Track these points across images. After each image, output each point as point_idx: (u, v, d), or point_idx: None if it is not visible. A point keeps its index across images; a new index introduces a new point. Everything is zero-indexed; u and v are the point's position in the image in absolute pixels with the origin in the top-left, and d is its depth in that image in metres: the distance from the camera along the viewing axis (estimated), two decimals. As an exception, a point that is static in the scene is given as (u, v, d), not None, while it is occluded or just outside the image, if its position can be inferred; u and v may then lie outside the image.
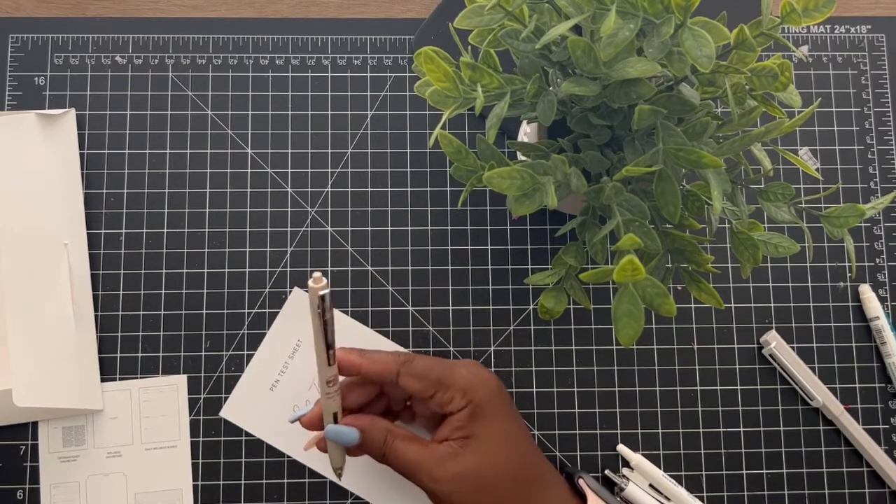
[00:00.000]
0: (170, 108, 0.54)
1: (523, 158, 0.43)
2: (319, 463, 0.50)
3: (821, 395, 0.51)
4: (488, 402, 0.43)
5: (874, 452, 0.51)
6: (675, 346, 0.53)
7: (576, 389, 0.52)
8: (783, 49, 0.56)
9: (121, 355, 0.51)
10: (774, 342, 0.52)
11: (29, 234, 0.51)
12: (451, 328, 0.52)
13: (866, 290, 0.53)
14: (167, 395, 0.51)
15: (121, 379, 0.51)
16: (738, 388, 0.52)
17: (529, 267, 0.53)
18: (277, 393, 0.51)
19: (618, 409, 0.52)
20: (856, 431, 0.51)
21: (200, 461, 0.50)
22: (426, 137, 0.54)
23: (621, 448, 0.51)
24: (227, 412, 0.51)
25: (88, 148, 0.53)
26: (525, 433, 0.45)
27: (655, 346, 0.53)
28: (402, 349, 0.47)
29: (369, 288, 0.53)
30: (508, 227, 0.54)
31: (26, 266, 0.51)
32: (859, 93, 0.56)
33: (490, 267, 0.53)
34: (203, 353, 0.51)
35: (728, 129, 0.39)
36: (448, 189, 0.54)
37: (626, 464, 0.51)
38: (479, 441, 0.42)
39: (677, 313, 0.52)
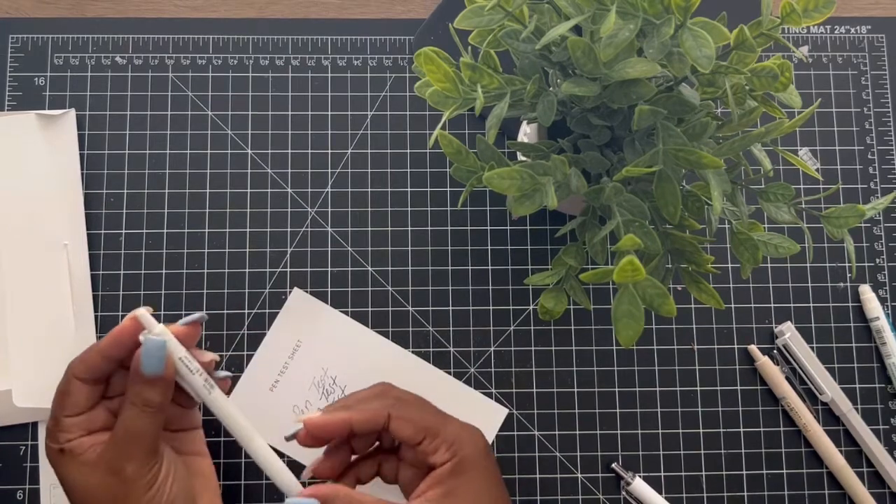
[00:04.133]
0: (170, 108, 0.54)
1: (523, 159, 0.43)
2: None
3: (831, 389, 0.51)
4: (474, 459, 0.42)
5: (878, 451, 0.51)
6: (675, 347, 0.53)
7: (576, 390, 0.52)
8: (783, 49, 0.56)
9: (121, 356, 0.51)
10: (789, 333, 0.52)
11: (29, 234, 0.51)
12: (451, 328, 0.52)
13: (866, 291, 0.53)
14: (167, 395, 0.51)
15: (121, 379, 0.51)
16: (739, 388, 0.52)
17: (529, 267, 0.53)
18: (277, 393, 0.51)
19: (618, 410, 0.52)
20: (862, 430, 0.51)
21: (200, 461, 0.50)
22: (426, 138, 0.54)
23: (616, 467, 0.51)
24: (227, 412, 0.51)
25: (88, 148, 0.53)
26: (504, 499, 0.43)
27: (655, 347, 0.53)
28: (386, 385, 0.45)
29: (369, 288, 0.53)
30: (508, 228, 0.54)
31: (26, 266, 0.51)
32: (859, 93, 0.56)
33: (490, 267, 0.53)
34: (203, 354, 0.51)
35: (728, 130, 0.39)
36: (448, 189, 0.54)
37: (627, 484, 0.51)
38: (457, 498, 0.40)
39: (677, 314, 0.52)
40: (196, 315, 0.43)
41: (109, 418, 0.42)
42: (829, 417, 0.52)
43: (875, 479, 0.52)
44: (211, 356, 0.43)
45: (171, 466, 0.41)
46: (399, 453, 0.45)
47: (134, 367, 0.40)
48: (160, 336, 0.40)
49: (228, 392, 0.43)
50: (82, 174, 0.53)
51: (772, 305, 0.53)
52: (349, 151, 0.54)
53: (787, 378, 0.52)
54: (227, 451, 0.51)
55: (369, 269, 0.53)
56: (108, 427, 0.41)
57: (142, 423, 0.40)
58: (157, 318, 0.51)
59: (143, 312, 0.40)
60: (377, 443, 0.45)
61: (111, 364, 0.41)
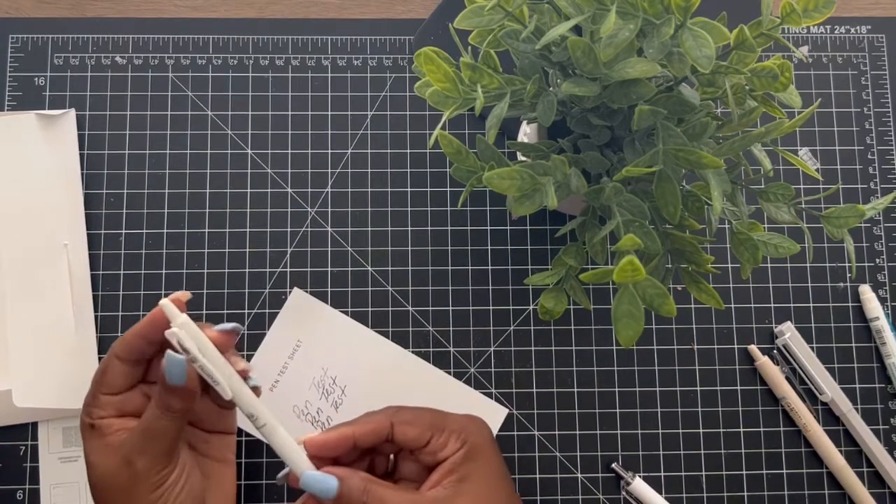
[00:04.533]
0: (170, 108, 0.54)
1: (523, 159, 0.43)
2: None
3: (831, 389, 0.51)
4: (483, 444, 0.42)
5: (878, 451, 0.51)
6: (675, 347, 0.53)
7: (576, 390, 0.52)
8: (783, 49, 0.56)
9: (121, 356, 0.51)
10: (789, 333, 0.52)
11: (29, 234, 0.51)
12: (451, 328, 0.52)
13: (866, 291, 0.53)
14: (167, 395, 0.51)
15: (121, 379, 0.51)
16: (738, 388, 0.52)
17: (529, 267, 0.53)
18: (277, 393, 0.51)
19: (618, 410, 0.52)
20: (862, 430, 0.51)
21: (200, 461, 0.50)
22: (426, 138, 0.54)
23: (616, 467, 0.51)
24: (227, 412, 0.51)
25: (88, 148, 0.53)
26: (512, 486, 0.44)
27: (655, 347, 0.53)
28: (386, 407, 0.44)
29: (369, 288, 0.53)
30: (508, 228, 0.54)
31: (26, 266, 0.51)
32: (859, 93, 0.56)
33: (490, 267, 0.53)
34: (203, 354, 0.51)
35: (728, 130, 0.39)
36: (448, 189, 0.54)
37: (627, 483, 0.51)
38: (472, 482, 0.40)
39: (677, 314, 0.52)
40: (230, 325, 0.42)
41: (144, 403, 0.42)
42: (829, 417, 0.52)
43: (875, 479, 0.52)
44: (244, 366, 0.41)
45: (183, 473, 0.41)
46: (396, 473, 0.44)
47: (161, 371, 0.40)
48: (182, 327, 0.40)
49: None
50: (82, 174, 0.53)
51: (772, 305, 0.53)
52: (349, 151, 0.54)
53: (787, 378, 0.52)
54: (227, 451, 0.50)
55: (369, 269, 0.53)
56: (139, 412, 0.42)
57: (160, 424, 0.40)
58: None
59: (167, 303, 0.40)
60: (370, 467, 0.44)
61: (150, 346, 0.41)
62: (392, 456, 0.44)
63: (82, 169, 0.53)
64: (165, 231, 0.53)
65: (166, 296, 0.52)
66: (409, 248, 0.53)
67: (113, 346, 0.42)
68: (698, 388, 0.52)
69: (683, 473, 0.51)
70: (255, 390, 0.42)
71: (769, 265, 0.54)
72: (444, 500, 0.40)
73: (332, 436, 0.41)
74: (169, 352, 0.40)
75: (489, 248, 0.53)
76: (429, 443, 0.41)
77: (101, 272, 0.52)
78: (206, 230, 0.53)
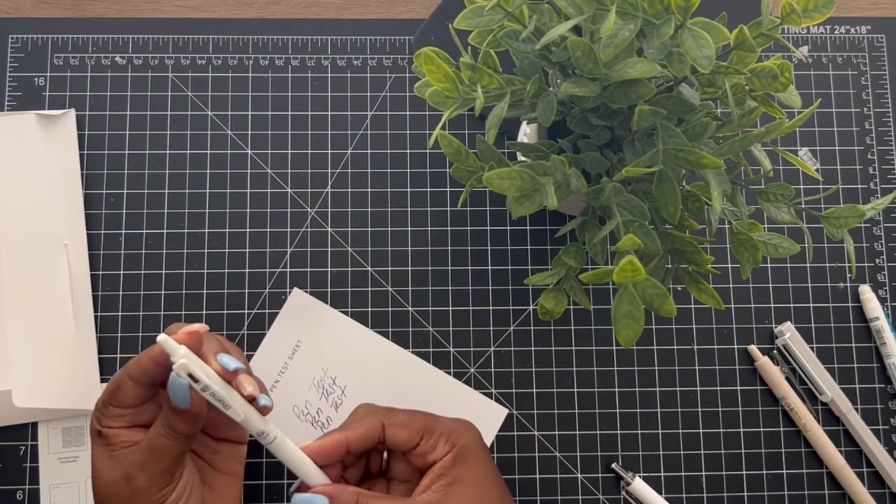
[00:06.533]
0: (169, 108, 0.54)
1: (523, 159, 0.43)
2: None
3: (830, 390, 0.51)
4: (471, 446, 0.42)
5: (878, 451, 0.51)
6: (675, 347, 0.53)
7: (576, 390, 0.52)
8: (783, 49, 0.56)
9: (121, 355, 0.51)
10: (789, 333, 0.52)
11: (29, 234, 0.51)
12: (450, 329, 0.52)
13: (866, 291, 0.53)
14: (167, 395, 0.51)
15: (121, 379, 0.51)
16: (738, 388, 0.52)
17: (529, 267, 0.53)
18: (277, 393, 0.51)
19: (617, 410, 0.52)
20: (861, 430, 0.51)
21: (200, 461, 0.50)
22: (426, 138, 0.54)
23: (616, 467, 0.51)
24: (226, 412, 0.51)
25: (88, 148, 0.53)
26: (504, 488, 0.44)
27: (655, 347, 0.53)
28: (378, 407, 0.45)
29: (369, 288, 0.53)
30: (508, 228, 0.54)
31: (26, 267, 0.51)
32: (859, 93, 0.56)
33: (490, 267, 0.53)
34: (203, 354, 0.51)
35: (728, 130, 0.39)
36: (448, 190, 0.54)
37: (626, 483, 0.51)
38: (461, 486, 0.41)
39: (677, 314, 0.52)
40: (234, 364, 0.41)
41: (156, 415, 0.42)
42: (828, 417, 0.52)
43: (875, 479, 0.52)
44: (251, 390, 0.41)
45: (184, 493, 0.41)
46: (388, 472, 0.44)
47: (168, 392, 0.40)
48: (183, 360, 0.39)
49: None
50: (82, 174, 0.53)
51: (772, 305, 0.53)
52: (349, 151, 0.54)
53: (787, 378, 0.52)
54: (227, 451, 0.50)
55: (369, 269, 0.53)
56: (151, 424, 0.41)
57: (163, 443, 0.40)
58: (158, 318, 0.52)
59: (166, 339, 0.39)
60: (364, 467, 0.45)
61: (164, 371, 0.41)
62: (385, 454, 0.45)
63: (82, 169, 0.53)
64: (165, 231, 0.53)
65: (166, 295, 0.52)
66: (409, 249, 0.53)
67: (127, 365, 0.41)
68: (698, 388, 0.52)
69: (683, 473, 0.51)
70: (264, 410, 0.41)
71: (769, 265, 0.54)
72: (436, 503, 0.40)
73: (325, 443, 0.41)
74: (173, 375, 0.39)
75: (489, 248, 0.53)
76: (418, 445, 0.42)
77: (101, 272, 0.52)
78: (206, 230, 0.53)
